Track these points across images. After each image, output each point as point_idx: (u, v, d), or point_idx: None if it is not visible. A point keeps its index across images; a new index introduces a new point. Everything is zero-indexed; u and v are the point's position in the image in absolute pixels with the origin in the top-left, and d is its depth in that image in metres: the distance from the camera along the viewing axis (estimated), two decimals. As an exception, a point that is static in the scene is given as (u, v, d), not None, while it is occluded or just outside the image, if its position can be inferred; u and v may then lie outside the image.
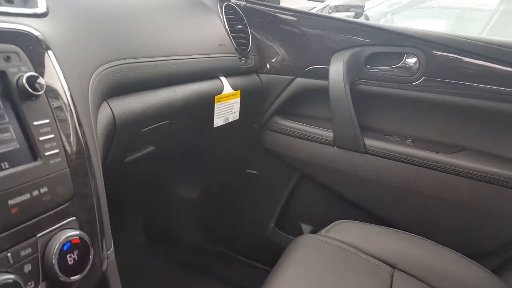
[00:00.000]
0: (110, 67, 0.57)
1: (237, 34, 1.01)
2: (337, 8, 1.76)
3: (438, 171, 0.94)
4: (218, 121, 0.94)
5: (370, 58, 1.01)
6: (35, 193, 0.37)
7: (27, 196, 0.36)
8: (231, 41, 0.98)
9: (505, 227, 0.92)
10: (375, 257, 0.82)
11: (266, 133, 1.17)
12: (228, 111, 0.96)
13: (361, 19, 1.62)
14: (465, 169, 0.92)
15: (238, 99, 0.98)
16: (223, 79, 0.93)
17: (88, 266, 0.42)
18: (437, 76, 0.94)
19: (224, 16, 0.99)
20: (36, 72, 0.39)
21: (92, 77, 0.52)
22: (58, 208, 0.40)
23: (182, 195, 1.30)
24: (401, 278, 0.79)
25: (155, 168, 1.13)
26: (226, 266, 1.37)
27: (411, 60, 0.97)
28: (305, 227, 1.22)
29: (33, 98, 0.39)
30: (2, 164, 0.35)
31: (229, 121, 0.98)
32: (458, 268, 0.83)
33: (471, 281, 0.80)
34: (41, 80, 0.39)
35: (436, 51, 0.93)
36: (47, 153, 0.39)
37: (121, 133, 0.62)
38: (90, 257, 0.42)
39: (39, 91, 0.38)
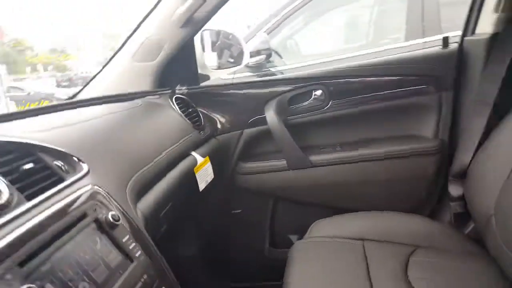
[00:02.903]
0: (133, 183, 0.84)
1: (190, 115, 1.31)
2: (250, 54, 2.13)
3: (363, 162, 1.30)
4: (201, 185, 1.22)
5: (291, 100, 1.37)
6: (143, 279, 0.64)
7: (140, 282, 0.63)
8: (188, 123, 1.28)
9: (421, 184, 1.30)
10: (348, 238, 1.13)
11: (237, 177, 1.47)
12: (206, 175, 1.25)
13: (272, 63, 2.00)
14: (379, 153, 1.29)
15: (209, 163, 1.28)
16: (193, 153, 1.22)
17: None
18: (339, 97, 1.31)
19: (176, 107, 1.29)
20: (110, 210, 0.66)
21: (127, 192, 0.79)
22: (154, 283, 0.66)
23: (186, 254, 1.53)
24: (371, 245, 1.10)
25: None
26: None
27: (318, 92, 1.34)
28: (293, 237, 1.51)
29: (117, 225, 0.65)
30: (118, 272, 0.61)
31: (209, 182, 1.27)
32: (408, 222, 1.17)
33: (421, 228, 1.14)
34: (115, 213, 0.65)
35: (332, 80, 1.31)
36: (136, 255, 0.66)
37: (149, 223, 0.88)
38: None
39: (118, 220, 0.65)
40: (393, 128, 1.35)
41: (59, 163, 0.67)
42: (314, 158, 1.36)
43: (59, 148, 0.69)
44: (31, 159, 0.63)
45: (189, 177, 1.16)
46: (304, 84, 1.35)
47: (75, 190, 0.63)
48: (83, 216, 0.60)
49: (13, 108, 10.99)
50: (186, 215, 1.42)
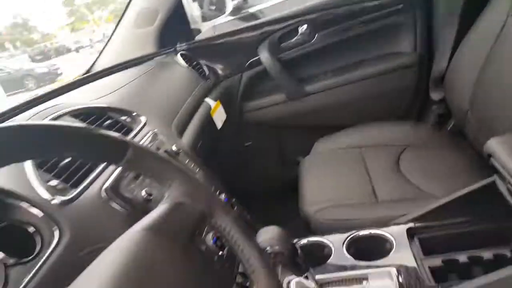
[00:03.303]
0: (173, 126, 1.05)
1: (195, 68, 1.49)
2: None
3: (354, 83, 1.51)
4: (219, 125, 1.43)
5: (280, 38, 1.54)
6: None
7: None
8: (195, 74, 1.46)
9: (406, 95, 1.52)
10: (347, 148, 1.36)
11: (244, 115, 1.67)
12: (220, 115, 1.46)
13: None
14: (366, 73, 1.50)
15: (221, 105, 1.48)
16: (206, 99, 1.42)
17: None
18: (323, 29, 1.49)
19: (182, 62, 1.46)
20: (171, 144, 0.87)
21: (173, 132, 1.01)
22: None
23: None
24: (367, 150, 1.31)
25: None
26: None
27: (303, 28, 1.51)
28: (300, 158, 1.76)
29: (179, 154, 0.87)
30: None
31: (223, 120, 1.48)
32: (398, 128, 1.38)
33: (409, 131, 1.36)
34: (176, 147, 0.87)
35: (315, 14, 1.48)
36: (196, 171, 0.88)
37: None
38: None
39: (180, 150, 0.87)
40: (376, 49, 1.54)
41: (124, 118, 0.88)
42: (309, 87, 1.56)
43: (122, 107, 0.89)
44: (106, 117, 0.83)
45: (208, 119, 1.36)
46: (289, 22, 1.51)
47: (143, 136, 0.85)
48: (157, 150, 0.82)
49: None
50: (211, 151, 1.64)
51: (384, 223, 0.89)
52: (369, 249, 0.87)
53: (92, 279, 0.36)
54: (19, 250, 0.53)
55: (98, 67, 1.46)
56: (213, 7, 1.98)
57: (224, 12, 1.98)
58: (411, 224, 0.84)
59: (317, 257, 0.90)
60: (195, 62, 1.52)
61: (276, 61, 1.53)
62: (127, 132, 0.83)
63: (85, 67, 1.44)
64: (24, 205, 0.57)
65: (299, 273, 0.81)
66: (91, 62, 1.49)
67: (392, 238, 0.85)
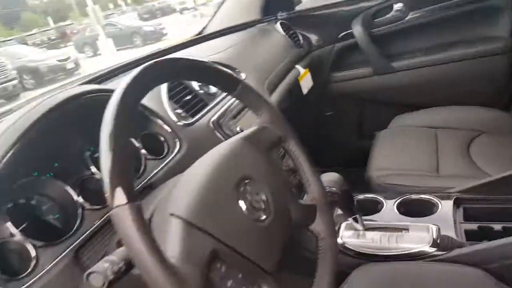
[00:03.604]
0: (265, 86, 1.25)
1: (292, 36, 1.66)
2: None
3: (442, 64, 1.54)
4: (304, 90, 1.60)
5: (375, 14, 1.62)
6: None
7: None
8: (291, 42, 1.63)
9: (494, 82, 1.50)
10: (423, 127, 1.42)
11: (330, 85, 1.81)
12: (307, 82, 1.62)
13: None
14: (456, 55, 1.52)
15: (309, 73, 1.64)
16: (297, 66, 1.59)
17: None
18: (418, 8, 1.53)
19: (281, 30, 1.64)
20: None
21: (265, 91, 1.21)
22: None
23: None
24: (441, 131, 1.34)
25: None
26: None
27: (399, 5, 1.57)
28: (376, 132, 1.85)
29: None
30: None
31: (309, 87, 1.64)
32: (478, 113, 1.40)
33: (489, 118, 1.37)
34: None
35: None
36: None
37: None
38: None
39: None
40: (469, 32, 1.54)
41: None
42: (397, 64, 1.63)
43: (227, 64, 1.13)
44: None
45: (296, 84, 1.54)
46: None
47: None
48: None
49: (111, 44, 11.96)
50: (294, 114, 1.83)
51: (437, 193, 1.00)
52: (418, 211, 0.99)
53: (202, 163, 0.58)
54: (156, 151, 0.80)
55: (209, 30, 1.71)
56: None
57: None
58: (458, 195, 0.94)
59: (370, 210, 1.06)
60: (291, 31, 1.68)
61: (367, 36, 1.62)
62: None
63: (188, 29, 1.72)
64: (159, 122, 0.83)
65: (349, 216, 0.98)
66: (195, 25, 1.76)
67: (439, 203, 0.96)
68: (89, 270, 0.47)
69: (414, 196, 1.03)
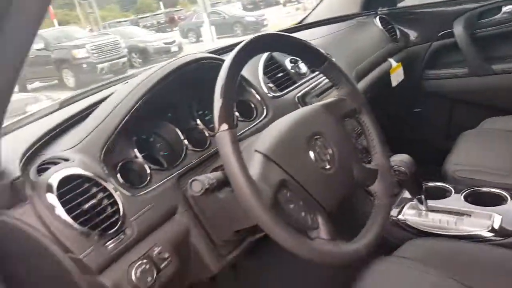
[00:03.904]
0: (356, 71, 1.37)
1: (389, 31, 1.73)
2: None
3: None
4: (394, 83, 1.66)
5: (480, 15, 1.61)
6: None
7: None
8: (387, 36, 1.71)
9: None
10: None
11: (422, 82, 1.83)
12: (397, 76, 1.69)
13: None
14: None
15: (401, 68, 1.70)
16: (390, 59, 1.66)
17: None
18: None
19: (379, 24, 1.72)
20: None
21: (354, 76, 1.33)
22: None
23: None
24: None
25: None
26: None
27: (509, 8, 1.54)
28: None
29: None
30: None
31: (399, 81, 1.70)
32: None
33: None
34: None
35: None
36: None
37: None
38: None
39: None
40: None
41: None
42: (496, 66, 1.60)
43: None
44: None
45: (386, 75, 1.62)
46: (494, 1, 1.56)
47: None
48: None
49: (213, 31, 12.55)
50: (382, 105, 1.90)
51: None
52: (484, 202, 1.04)
53: (285, 118, 0.75)
54: (246, 115, 0.99)
55: (309, 20, 1.86)
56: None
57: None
58: None
59: (437, 197, 1.12)
60: (390, 26, 1.75)
61: (468, 36, 1.62)
62: None
63: (288, 21, 1.88)
64: (253, 91, 1.01)
65: (414, 195, 1.07)
66: (297, 17, 1.91)
67: (508, 198, 1.00)
68: (193, 178, 0.67)
69: (483, 189, 1.07)
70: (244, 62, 0.70)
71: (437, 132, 1.92)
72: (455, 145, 1.41)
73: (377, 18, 1.75)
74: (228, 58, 0.67)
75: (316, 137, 0.74)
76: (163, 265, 0.74)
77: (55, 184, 0.67)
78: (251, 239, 0.87)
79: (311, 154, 0.72)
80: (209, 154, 0.90)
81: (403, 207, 1.12)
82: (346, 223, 0.81)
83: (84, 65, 8.93)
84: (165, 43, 11.07)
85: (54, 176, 0.68)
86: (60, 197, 0.67)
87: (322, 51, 0.81)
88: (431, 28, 1.75)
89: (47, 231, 0.68)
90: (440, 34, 1.72)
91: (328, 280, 0.99)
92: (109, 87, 1.04)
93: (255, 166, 0.66)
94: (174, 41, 11.31)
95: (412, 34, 1.80)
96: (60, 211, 0.67)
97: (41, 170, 0.72)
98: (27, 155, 0.74)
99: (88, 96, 1.01)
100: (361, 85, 1.40)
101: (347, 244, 0.68)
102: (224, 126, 0.62)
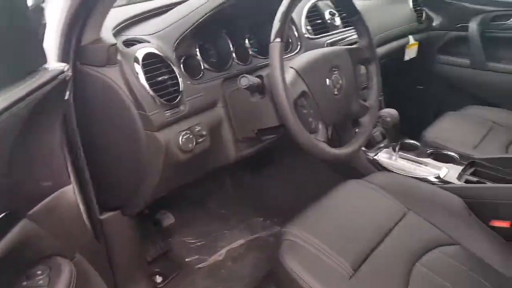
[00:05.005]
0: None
1: (418, 12, 1.96)
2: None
3: None
4: (406, 57, 1.94)
5: (495, 18, 1.86)
6: None
7: None
8: (414, 15, 1.95)
9: None
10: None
11: (433, 65, 2.11)
12: (411, 52, 1.96)
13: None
14: None
15: (417, 46, 1.96)
16: (410, 36, 1.92)
17: None
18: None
19: (410, 3, 1.95)
20: None
21: None
22: None
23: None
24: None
25: None
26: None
27: (518, 17, 1.80)
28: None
29: None
30: None
31: (411, 57, 1.97)
32: None
33: None
34: None
35: None
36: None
37: None
38: None
39: None
40: None
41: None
42: (492, 64, 1.89)
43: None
44: None
45: (401, 49, 1.90)
46: (509, 8, 1.80)
47: None
48: None
49: None
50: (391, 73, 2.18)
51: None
52: (443, 161, 1.38)
53: (317, 50, 1.05)
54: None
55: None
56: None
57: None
58: (476, 159, 1.32)
59: (408, 150, 1.47)
60: (419, 8, 1.99)
61: (479, 34, 1.88)
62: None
63: None
64: (293, 28, 1.33)
65: (390, 142, 1.41)
66: None
67: (458, 159, 1.35)
68: (243, 75, 0.92)
69: (443, 151, 1.42)
70: (299, 1, 0.94)
71: (430, 108, 2.22)
72: (437, 120, 1.73)
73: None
74: None
75: (334, 69, 1.02)
76: (200, 140, 0.96)
77: (140, 57, 0.87)
78: (268, 137, 1.14)
79: (327, 80, 1.00)
80: (249, 69, 1.15)
81: (380, 151, 1.47)
82: (338, 141, 1.14)
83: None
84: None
85: (140, 51, 0.88)
86: (142, 67, 0.87)
87: (358, 7, 1.08)
88: (452, 18, 2.00)
89: (128, 89, 0.85)
90: (457, 25, 1.98)
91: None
92: None
93: (288, 76, 0.91)
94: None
95: (436, 20, 2.06)
96: (142, 77, 0.86)
97: (127, 45, 0.92)
98: (117, 29, 0.96)
99: None
100: (379, 50, 1.68)
101: (335, 149, 0.99)
102: (278, 39, 0.87)
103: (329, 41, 1.41)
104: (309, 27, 1.39)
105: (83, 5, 0.79)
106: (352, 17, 1.11)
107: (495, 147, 1.50)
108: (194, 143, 0.94)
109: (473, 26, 1.90)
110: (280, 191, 1.68)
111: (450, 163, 1.36)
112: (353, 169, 1.46)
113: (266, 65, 1.17)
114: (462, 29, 1.96)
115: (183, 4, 1.09)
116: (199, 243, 1.39)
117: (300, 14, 1.37)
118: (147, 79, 0.87)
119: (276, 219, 1.55)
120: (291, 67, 0.96)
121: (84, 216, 0.98)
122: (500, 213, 1.12)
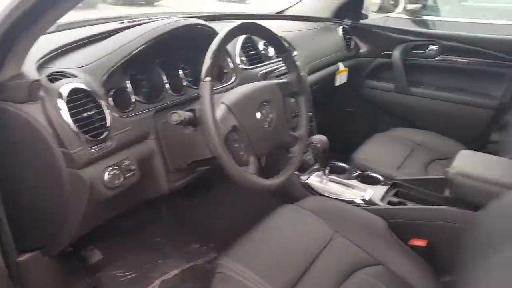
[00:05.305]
0: (310, 66, 1.73)
1: (347, 40, 2.11)
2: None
3: (442, 101, 1.97)
4: (336, 83, 2.06)
5: (414, 47, 2.04)
6: None
7: None
8: (342, 45, 2.08)
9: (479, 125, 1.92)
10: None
11: (362, 89, 2.26)
12: (341, 78, 2.08)
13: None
14: (455, 99, 1.94)
15: (346, 72, 2.09)
16: (339, 63, 2.05)
17: None
18: (448, 54, 1.95)
19: (340, 33, 2.09)
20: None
21: (307, 71, 1.69)
22: None
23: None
24: None
25: None
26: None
27: (435, 47, 1.99)
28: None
29: None
30: None
31: (341, 82, 2.09)
32: None
33: None
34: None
35: (445, 41, 1.93)
36: None
37: None
38: None
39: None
40: (474, 84, 1.94)
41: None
42: (414, 89, 2.07)
43: (290, 41, 1.61)
44: None
45: (332, 76, 2.01)
46: (426, 39, 2.00)
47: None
48: None
49: None
50: (323, 98, 2.30)
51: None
52: (369, 183, 1.47)
53: (248, 85, 1.09)
54: (219, 78, 1.33)
55: (289, 12, 2.18)
56: (392, 2, 2.47)
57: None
58: (398, 180, 1.42)
59: (338, 173, 1.54)
60: (348, 36, 2.13)
61: (401, 61, 2.06)
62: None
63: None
64: (228, 60, 1.33)
65: (321, 167, 1.48)
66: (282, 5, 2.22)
67: (382, 180, 1.45)
68: (172, 111, 0.92)
69: (369, 173, 1.51)
70: (231, 39, 0.99)
71: (360, 130, 2.36)
72: (366, 142, 1.84)
73: (341, 27, 2.12)
74: (221, 33, 0.95)
75: (264, 103, 1.06)
76: (128, 174, 0.94)
77: (65, 93, 0.84)
78: (201, 168, 1.15)
79: (258, 114, 1.04)
80: (182, 100, 1.15)
81: (311, 174, 1.54)
82: (271, 169, 1.18)
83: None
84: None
85: (65, 87, 0.84)
86: (67, 103, 0.83)
87: (286, 44, 1.15)
88: (378, 47, 2.17)
89: (50, 126, 0.82)
90: (382, 53, 2.14)
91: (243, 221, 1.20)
92: (120, 21, 1.21)
93: (219, 112, 0.94)
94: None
95: (363, 48, 2.21)
96: (65, 113, 0.83)
97: (52, 79, 0.87)
98: (42, 60, 0.91)
99: (101, 23, 1.19)
100: (311, 77, 1.78)
101: (265, 180, 1.01)
102: (208, 78, 0.89)
103: (263, 71, 1.46)
104: (243, 58, 1.42)
105: (4, 37, 0.74)
106: (281, 53, 1.16)
107: (416, 167, 1.62)
108: (122, 179, 0.93)
109: (396, 54, 2.06)
110: (217, 216, 1.68)
111: (375, 184, 1.46)
112: (287, 193, 1.51)
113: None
114: (387, 56, 2.13)
115: (114, 36, 1.07)
116: (130, 276, 1.33)
117: (235, 45, 1.41)
118: (72, 115, 0.84)
119: (212, 244, 1.54)
120: (222, 102, 0.97)
121: (0, 259, 0.91)
122: (418, 232, 1.21)
